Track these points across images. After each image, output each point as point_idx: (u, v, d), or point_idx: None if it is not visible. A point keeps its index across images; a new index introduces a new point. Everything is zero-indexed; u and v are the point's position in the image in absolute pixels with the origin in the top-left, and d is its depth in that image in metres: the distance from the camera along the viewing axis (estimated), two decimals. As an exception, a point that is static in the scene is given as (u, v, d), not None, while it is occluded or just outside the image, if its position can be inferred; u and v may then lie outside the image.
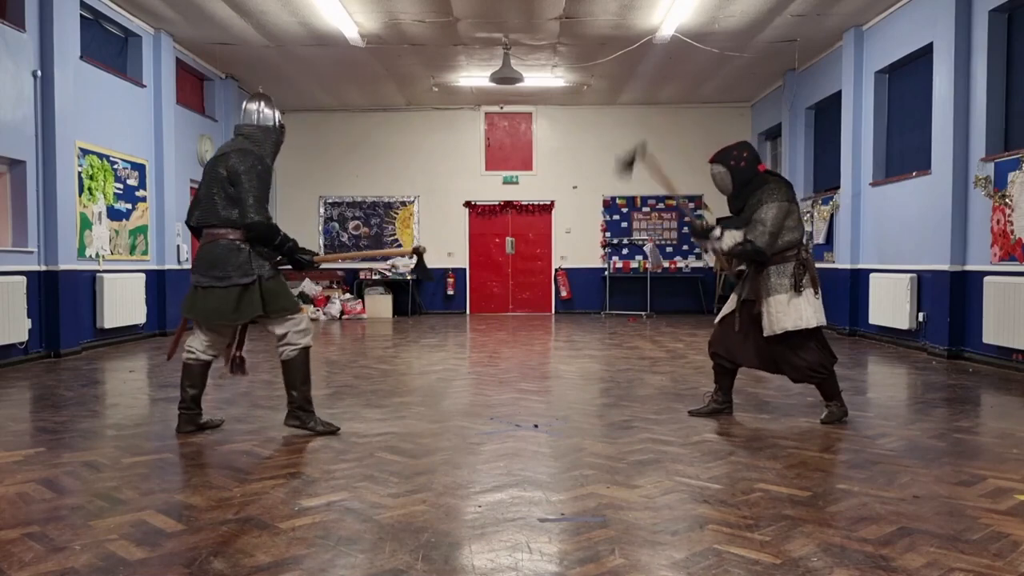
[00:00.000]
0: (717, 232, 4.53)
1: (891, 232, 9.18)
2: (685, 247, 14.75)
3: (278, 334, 4.25)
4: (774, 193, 4.41)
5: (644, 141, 4.85)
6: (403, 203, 14.78)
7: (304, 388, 4.29)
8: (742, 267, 4.75)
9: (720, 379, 4.85)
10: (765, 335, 4.48)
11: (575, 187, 14.69)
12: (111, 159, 9.08)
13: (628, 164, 4.74)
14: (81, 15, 8.44)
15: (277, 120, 4.47)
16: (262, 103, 4.44)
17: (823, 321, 4.46)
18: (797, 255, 4.44)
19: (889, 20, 9.19)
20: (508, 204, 14.79)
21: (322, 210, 14.72)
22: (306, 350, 4.28)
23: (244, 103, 4.49)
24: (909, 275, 8.49)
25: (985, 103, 7.37)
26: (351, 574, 2.39)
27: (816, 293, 4.43)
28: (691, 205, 4.08)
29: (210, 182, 4.20)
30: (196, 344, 4.33)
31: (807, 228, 11.49)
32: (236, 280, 4.09)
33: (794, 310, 4.38)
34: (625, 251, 14.73)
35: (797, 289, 4.37)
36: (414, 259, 4.76)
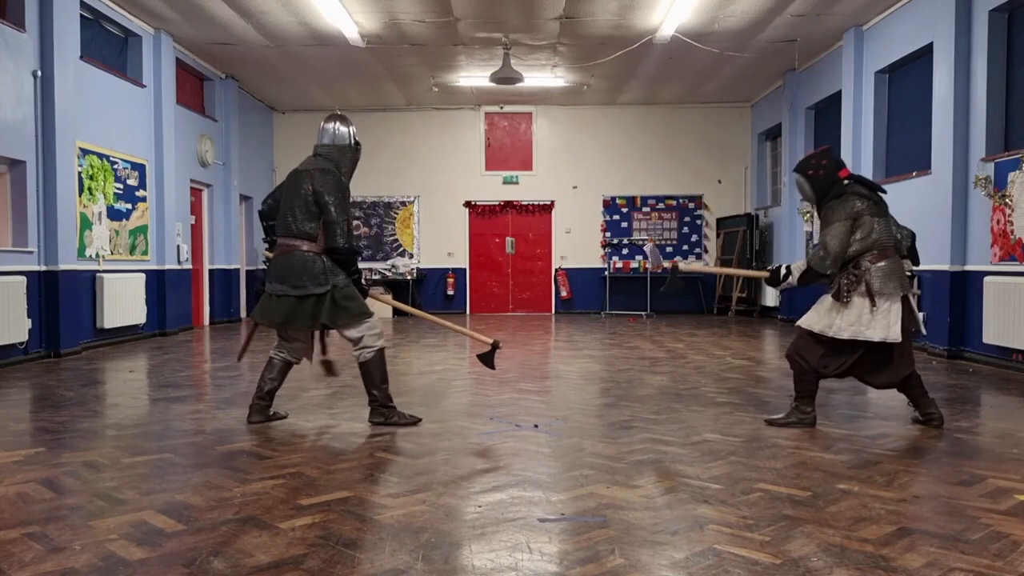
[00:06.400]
0: (789, 271, 4.58)
1: (891, 232, 9.16)
2: (685, 247, 14.76)
3: (353, 338, 4.46)
4: (835, 212, 4.34)
5: (675, 265, 5.02)
6: (403, 203, 14.78)
7: (384, 387, 4.53)
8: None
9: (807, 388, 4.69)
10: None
11: (575, 187, 14.70)
12: (111, 159, 9.08)
13: (673, 283, 5.03)
14: (81, 15, 8.44)
15: (353, 138, 4.57)
16: (337, 123, 4.56)
17: (856, 335, 4.26)
18: (856, 265, 4.32)
19: (889, 20, 9.19)
20: (508, 204, 14.79)
21: (322, 210, 14.72)
22: (381, 351, 4.51)
23: (321, 123, 4.60)
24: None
25: (985, 103, 7.37)
26: (351, 574, 2.38)
27: (871, 309, 4.24)
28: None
29: (293, 196, 4.36)
30: (276, 346, 4.62)
31: (807, 228, 11.48)
32: (311, 289, 4.30)
33: (825, 315, 4.35)
34: (625, 251, 14.73)
35: (839, 298, 4.30)
36: (488, 347, 4.87)
